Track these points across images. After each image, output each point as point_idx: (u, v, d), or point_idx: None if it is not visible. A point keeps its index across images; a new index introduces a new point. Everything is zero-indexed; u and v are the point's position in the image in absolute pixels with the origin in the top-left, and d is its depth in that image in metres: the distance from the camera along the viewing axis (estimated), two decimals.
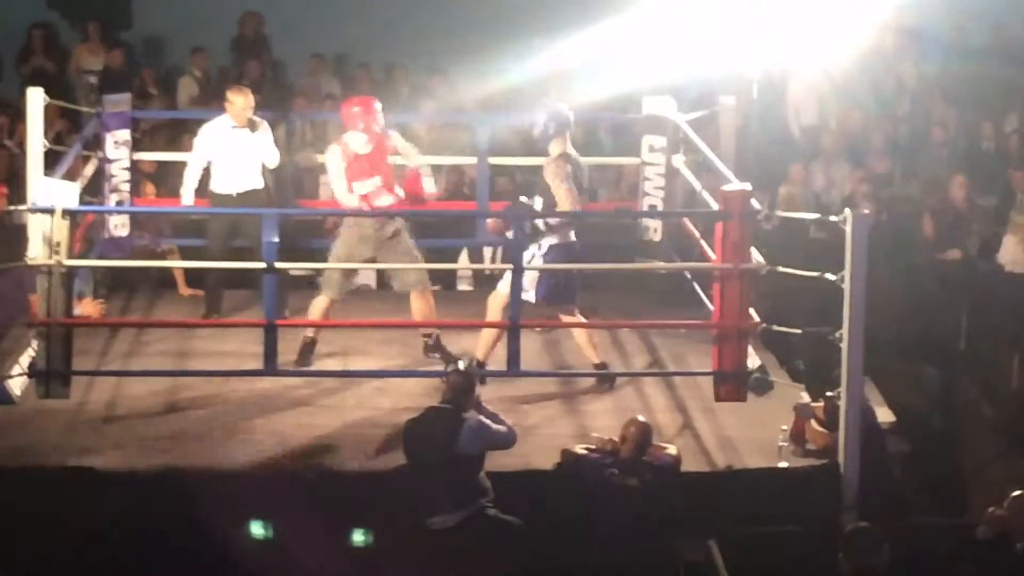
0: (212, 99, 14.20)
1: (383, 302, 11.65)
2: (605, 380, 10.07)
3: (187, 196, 11.17)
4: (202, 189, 11.27)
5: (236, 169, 11.11)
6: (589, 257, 10.12)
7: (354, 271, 10.57)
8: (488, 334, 9.96)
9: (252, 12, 15.69)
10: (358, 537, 8.36)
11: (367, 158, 10.14)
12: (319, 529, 8.36)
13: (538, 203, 9.88)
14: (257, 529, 8.37)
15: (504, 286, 9.80)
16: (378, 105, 10.24)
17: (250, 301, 11.30)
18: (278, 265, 9.28)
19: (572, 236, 9.92)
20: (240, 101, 11.05)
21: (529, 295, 9.76)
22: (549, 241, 9.84)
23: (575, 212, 9.83)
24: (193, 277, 11.94)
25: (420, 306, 10.30)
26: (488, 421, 8.38)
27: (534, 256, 9.82)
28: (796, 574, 8.11)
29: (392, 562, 8.28)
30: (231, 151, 11.10)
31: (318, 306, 10.34)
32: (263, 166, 11.19)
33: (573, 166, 9.83)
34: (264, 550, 8.34)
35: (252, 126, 11.10)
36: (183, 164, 11.39)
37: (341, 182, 10.11)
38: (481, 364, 9.84)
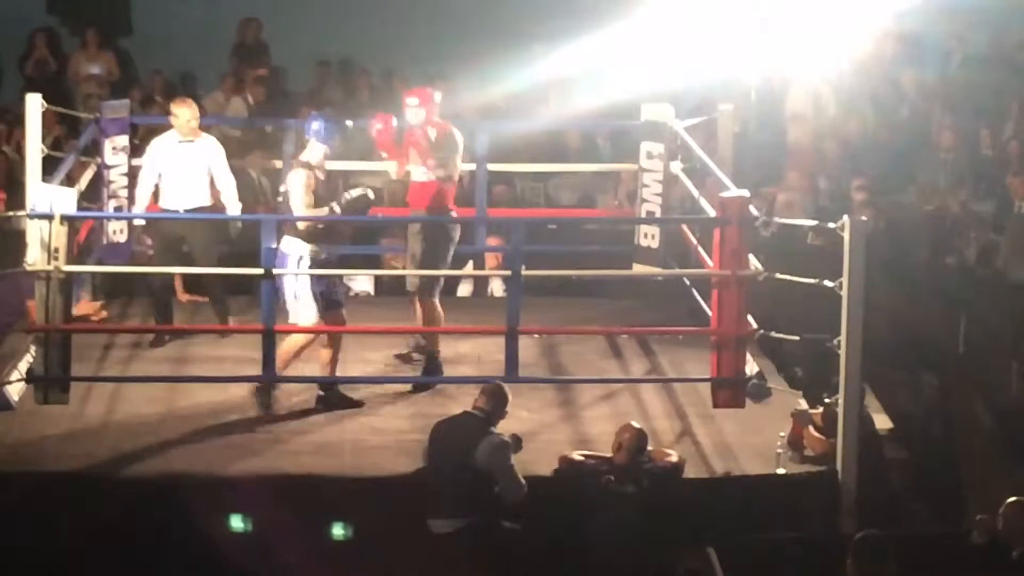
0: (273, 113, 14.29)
1: (380, 308, 11.66)
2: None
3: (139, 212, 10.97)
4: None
5: (183, 184, 10.82)
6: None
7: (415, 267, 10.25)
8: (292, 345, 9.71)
9: (251, 18, 15.69)
10: (338, 531, 8.37)
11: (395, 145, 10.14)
12: (317, 534, 8.37)
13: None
14: (236, 523, 8.39)
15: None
16: (409, 100, 10.13)
17: (250, 306, 11.29)
18: (276, 272, 9.29)
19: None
20: (185, 114, 10.79)
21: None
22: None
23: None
24: (191, 282, 11.92)
25: (421, 313, 10.25)
26: (511, 455, 8.39)
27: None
28: None
29: (388, 561, 8.29)
30: (178, 166, 10.81)
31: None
32: (212, 180, 10.87)
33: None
34: (259, 552, 8.36)
35: (199, 139, 10.83)
36: None
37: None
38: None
